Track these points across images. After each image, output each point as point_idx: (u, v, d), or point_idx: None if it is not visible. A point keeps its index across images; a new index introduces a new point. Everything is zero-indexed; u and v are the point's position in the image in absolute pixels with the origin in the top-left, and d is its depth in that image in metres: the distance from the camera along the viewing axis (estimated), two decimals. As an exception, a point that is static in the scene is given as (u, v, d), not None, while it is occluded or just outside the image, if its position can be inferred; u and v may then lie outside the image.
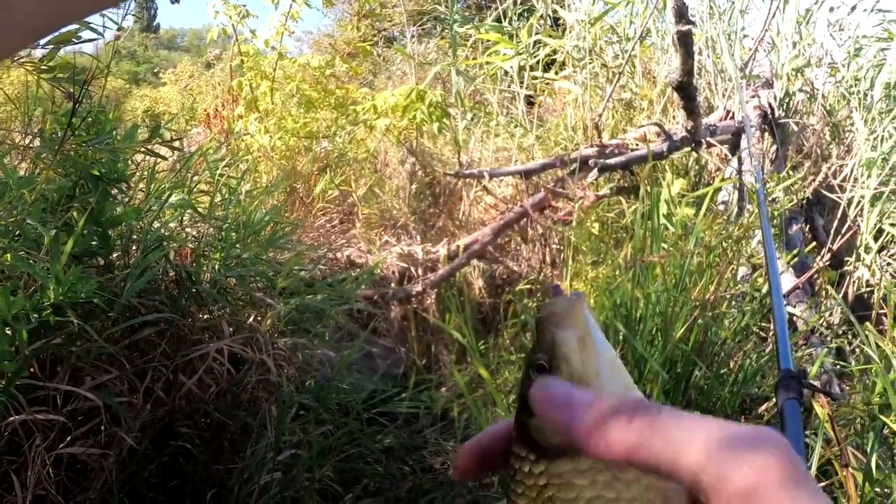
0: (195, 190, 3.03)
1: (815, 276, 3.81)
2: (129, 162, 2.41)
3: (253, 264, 2.94)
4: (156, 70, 23.96)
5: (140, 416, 2.27)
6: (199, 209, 2.88)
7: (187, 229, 2.99)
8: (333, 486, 2.84)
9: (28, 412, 1.99)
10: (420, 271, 4.51)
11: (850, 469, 2.20)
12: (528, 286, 4.32)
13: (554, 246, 4.64)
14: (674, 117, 5.42)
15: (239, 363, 2.67)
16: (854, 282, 4.52)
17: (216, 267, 2.77)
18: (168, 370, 2.43)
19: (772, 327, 3.09)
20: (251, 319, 2.86)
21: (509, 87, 6.19)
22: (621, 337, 2.76)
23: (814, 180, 4.33)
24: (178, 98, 13.59)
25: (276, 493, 2.54)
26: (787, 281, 3.62)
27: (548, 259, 4.62)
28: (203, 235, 2.87)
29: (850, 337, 3.51)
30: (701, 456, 0.41)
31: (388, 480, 3.10)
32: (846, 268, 4.54)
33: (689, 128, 4.51)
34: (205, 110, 7.46)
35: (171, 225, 2.89)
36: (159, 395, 2.39)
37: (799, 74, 6.01)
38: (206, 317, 2.72)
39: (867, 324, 2.95)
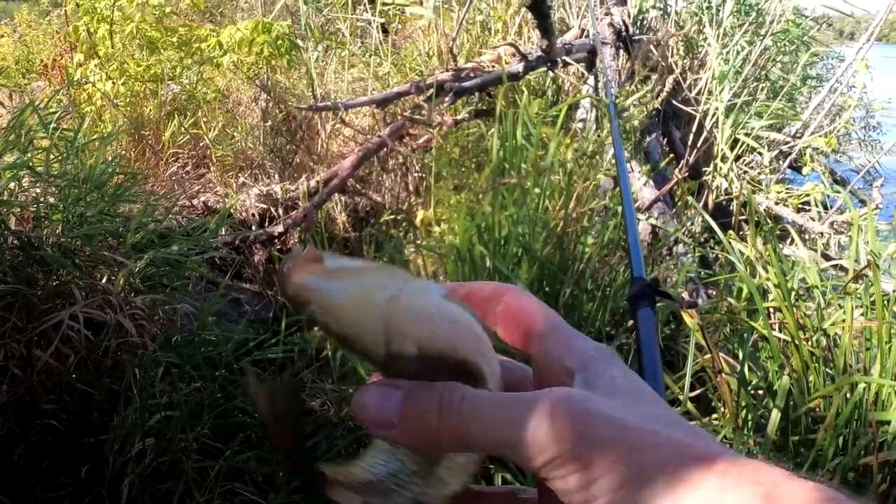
0: (32, 148, 2.84)
1: (675, 187, 3.89)
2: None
3: (99, 221, 2.79)
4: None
5: (-4, 399, 2.14)
6: (36, 169, 2.70)
7: (27, 191, 2.81)
8: (211, 443, 2.76)
9: None
10: (281, 211, 4.40)
11: (723, 375, 2.25)
12: (392, 216, 4.27)
13: (415, 174, 4.60)
14: (529, 38, 5.39)
15: (96, 328, 2.55)
16: (713, 191, 4.66)
17: (59, 229, 2.62)
18: (21, 345, 2.30)
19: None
20: (104, 280, 2.73)
21: (361, 15, 6.04)
22: (487, 262, 2.75)
23: (661, 91, 4.39)
24: (13, 50, 12.83)
25: (151, 459, 2.45)
26: (648, 194, 3.68)
27: (410, 187, 4.58)
28: (43, 196, 2.69)
29: (712, 245, 3.60)
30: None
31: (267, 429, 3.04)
32: (705, 178, 4.66)
33: (544, 47, 4.48)
34: (41, 61, 7.04)
35: (11, 186, 2.70)
36: (15, 372, 2.27)
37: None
38: (55, 283, 2.57)
39: (730, 231, 3.03)
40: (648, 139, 4.21)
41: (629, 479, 0.40)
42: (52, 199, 2.70)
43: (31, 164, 2.65)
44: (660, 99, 4.34)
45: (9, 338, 2.27)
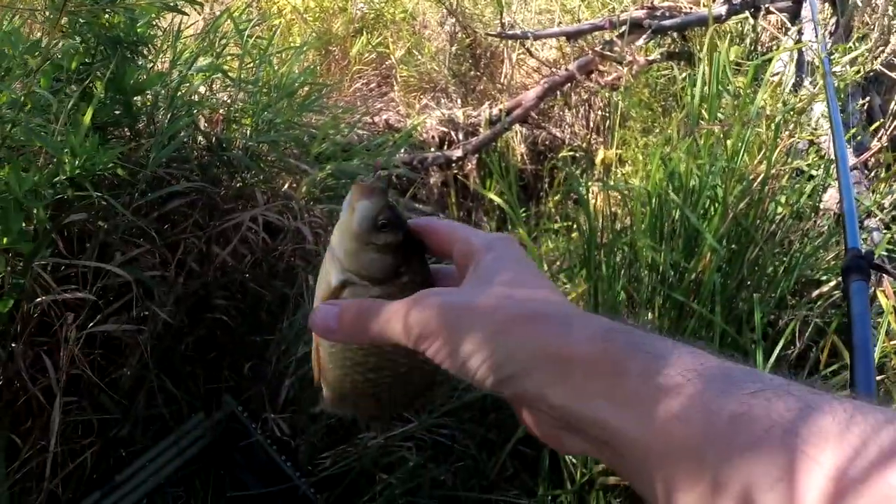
0: (224, 54, 2.90)
1: (872, 157, 3.63)
2: (152, 24, 2.27)
3: (286, 129, 2.83)
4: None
5: (173, 290, 2.22)
6: (229, 73, 2.76)
7: (217, 95, 2.87)
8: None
9: (56, 291, 1.93)
10: (461, 136, 4.38)
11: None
12: (571, 153, 4.18)
13: (599, 112, 4.48)
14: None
15: (274, 232, 2.60)
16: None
17: (248, 132, 2.67)
18: (201, 241, 2.37)
19: (836, 206, 2.95)
20: (286, 186, 2.78)
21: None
22: (675, 211, 2.64)
23: (883, 51, 4.07)
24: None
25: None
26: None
27: (593, 125, 4.47)
28: (233, 100, 2.75)
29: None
30: None
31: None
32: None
33: (749, -10, 4.25)
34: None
35: (201, 90, 2.77)
36: (192, 267, 2.34)
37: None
38: (238, 185, 2.64)
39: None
40: (860, 102, 3.93)
41: (461, 339, 0.57)
42: (241, 105, 2.74)
43: (223, 69, 2.69)
44: (879, 61, 4.03)
45: (189, 233, 2.34)
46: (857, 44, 4.10)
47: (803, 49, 3.81)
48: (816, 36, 3.47)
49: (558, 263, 3.23)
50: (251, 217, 2.44)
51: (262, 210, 2.48)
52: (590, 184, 3.23)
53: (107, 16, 1.96)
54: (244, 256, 2.49)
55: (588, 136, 4.51)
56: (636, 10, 4.49)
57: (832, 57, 3.51)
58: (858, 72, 3.66)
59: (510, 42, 4.76)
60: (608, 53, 4.20)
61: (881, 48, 4.19)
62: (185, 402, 2.27)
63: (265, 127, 2.71)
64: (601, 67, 4.38)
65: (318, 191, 2.85)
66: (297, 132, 2.90)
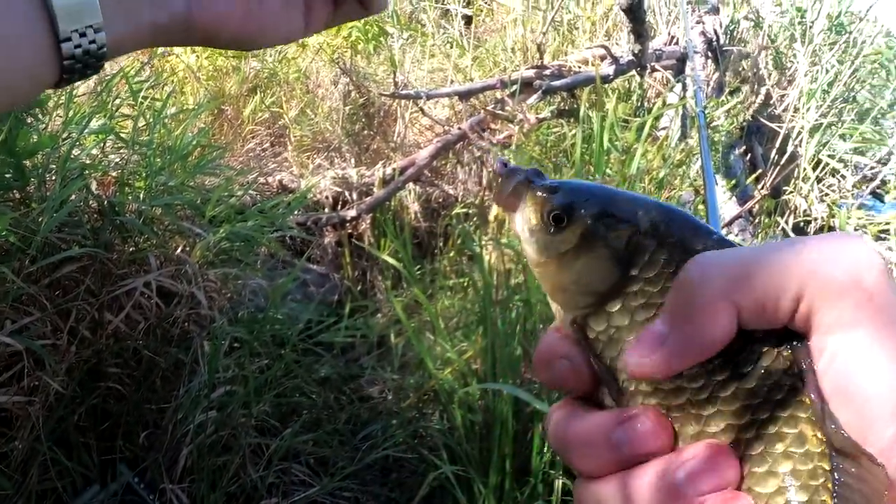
0: (117, 115, 2.86)
1: (756, 205, 3.81)
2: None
3: (180, 192, 2.81)
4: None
5: (66, 359, 2.16)
6: (122, 135, 2.72)
7: (110, 157, 2.84)
8: (270, 420, 2.77)
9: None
10: (354, 196, 4.40)
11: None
12: (464, 210, 4.24)
13: (492, 169, 4.56)
14: (616, 42, 5.32)
15: (168, 297, 2.57)
16: (792, 211, 4.55)
17: (141, 196, 2.64)
18: (93, 308, 2.32)
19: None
20: (179, 250, 2.75)
21: (445, 4, 6.02)
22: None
23: (752, 103, 4.29)
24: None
25: (211, 431, 2.46)
26: (730, 209, 3.60)
27: (485, 182, 4.54)
28: (126, 162, 2.72)
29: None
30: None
31: (326, 412, 3.04)
32: (784, 197, 4.55)
33: (636, 51, 4.42)
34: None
35: (94, 152, 2.73)
36: (85, 335, 2.28)
37: (745, 2, 5.96)
38: (131, 249, 2.60)
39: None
40: (736, 153, 4.12)
41: None
42: (134, 167, 2.71)
43: (117, 130, 2.67)
44: (750, 111, 4.24)
45: (82, 300, 2.29)
46: (729, 97, 4.30)
47: (686, 104, 3.99)
48: (689, 91, 3.63)
49: (455, 321, 3.26)
50: (144, 282, 2.40)
51: (155, 275, 2.44)
52: (484, 241, 3.28)
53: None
54: (138, 323, 2.44)
55: (481, 193, 4.58)
56: (527, 69, 4.61)
57: (705, 111, 3.67)
58: (732, 123, 3.83)
59: (403, 101, 4.82)
60: (500, 112, 4.30)
61: (752, 99, 4.41)
62: (80, 474, 2.21)
63: (159, 190, 2.69)
64: (493, 126, 4.47)
65: (212, 254, 2.83)
66: (190, 195, 2.88)
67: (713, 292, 0.45)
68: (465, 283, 3.49)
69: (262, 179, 4.41)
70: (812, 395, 0.44)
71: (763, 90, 4.42)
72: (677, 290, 0.47)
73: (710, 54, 4.89)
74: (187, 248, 2.76)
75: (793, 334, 0.45)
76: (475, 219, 4.22)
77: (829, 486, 0.43)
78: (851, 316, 0.43)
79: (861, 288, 0.43)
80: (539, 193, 0.53)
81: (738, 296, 0.45)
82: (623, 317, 0.50)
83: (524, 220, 0.53)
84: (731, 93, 4.50)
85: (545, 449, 2.40)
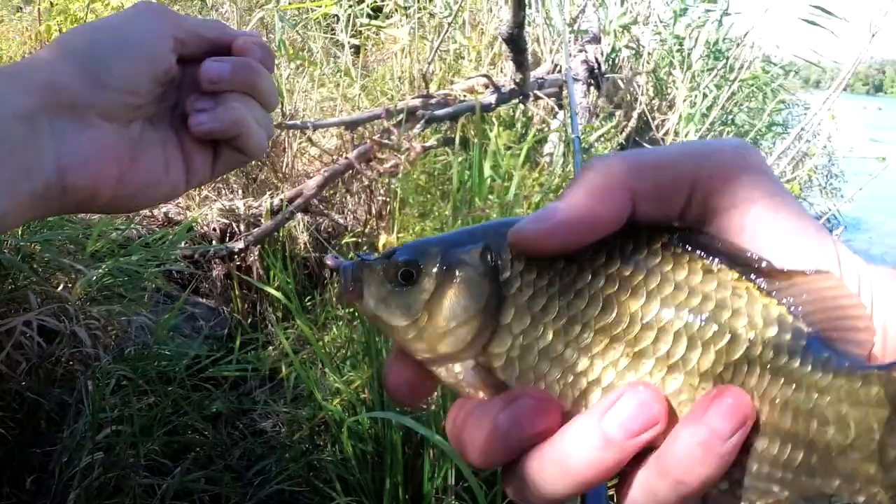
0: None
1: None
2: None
3: (60, 226, 2.74)
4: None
5: (-59, 404, 2.08)
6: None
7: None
8: (160, 460, 2.70)
9: None
10: (242, 227, 4.34)
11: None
12: (353, 239, 4.24)
13: (380, 198, 4.57)
14: (502, 70, 5.41)
15: (50, 335, 2.49)
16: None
17: (19, 232, 2.56)
18: (-29, 350, 2.24)
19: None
20: (61, 287, 2.67)
21: (334, 34, 6.02)
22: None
23: (625, 127, 4.42)
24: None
25: (99, 473, 2.39)
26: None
27: (374, 211, 4.55)
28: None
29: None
30: None
31: (218, 448, 2.98)
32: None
33: (517, 80, 4.51)
34: (11, 59, 6.92)
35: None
36: (-38, 377, 2.20)
37: (626, 31, 6.14)
38: (10, 288, 2.51)
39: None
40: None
41: None
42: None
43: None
44: (624, 135, 4.37)
45: (-41, 341, 2.21)
46: (603, 122, 4.43)
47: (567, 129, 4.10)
48: (563, 118, 3.73)
49: (344, 351, 3.25)
50: (25, 321, 2.33)
51: (35, 314, 2.38)
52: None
53: None
54: (19, 363, 2.37)
55: (370, 222, 4.58)
56: (413, 98, 4.64)
57: (581, 136, 3.78)
58: (606, 147, 3.94)
59: (291, 131, 4.79)
60: (386, 141, 4.32)
61: (624, 124, 4.54)
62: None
63: (37, 225, 2.61)
64: (380, 155, 4.48)
65: (95, 290, 2.76)
66: (71, 229, 2.81)
67: (612, 178, 0.49)
68: (355, 313, 3.48)
69: (146, 212, 4.31)
70: (722, 242, 0.49)
71: (634, 114, 4.56)
72: (579, 177, 0.51)
73: (591, 81, 5.03)
74: (69, 285, 2.68)
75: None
76: (364, 248, 4.22)
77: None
78: (747, 194, 0.48)
79: (750, 167, 0.49)
80: (379, 265, 0.53)
81: (636, 182, 0.49)
82: (524, 317, 0.50)
83: (376, 297, 0.53)
84: (607, 117, 4.62)
85: (436, 474, 2.41)
